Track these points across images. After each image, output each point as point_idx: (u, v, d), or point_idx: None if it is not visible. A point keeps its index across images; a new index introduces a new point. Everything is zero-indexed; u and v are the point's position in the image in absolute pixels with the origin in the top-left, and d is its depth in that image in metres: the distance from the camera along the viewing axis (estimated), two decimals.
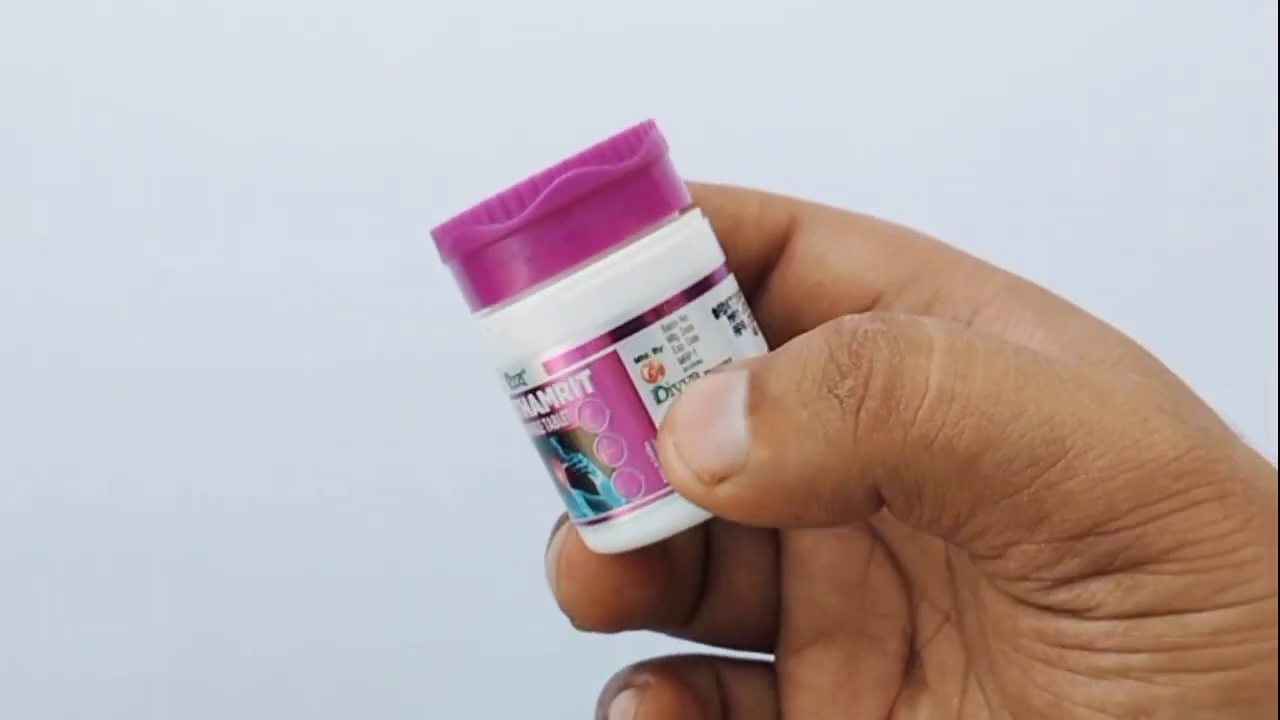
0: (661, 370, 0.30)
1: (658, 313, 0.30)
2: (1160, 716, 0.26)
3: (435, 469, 0.68)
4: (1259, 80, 0.69)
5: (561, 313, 0.30)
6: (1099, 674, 0.27)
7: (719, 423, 0.28)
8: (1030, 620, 0.28)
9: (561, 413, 0.30)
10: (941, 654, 0.33)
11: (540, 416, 0.31)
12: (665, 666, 0.34)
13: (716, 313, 0.30)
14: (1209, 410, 0.30)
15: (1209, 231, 0.70)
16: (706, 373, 0.30)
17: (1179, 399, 0.28)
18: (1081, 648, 0.27)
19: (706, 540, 0.35)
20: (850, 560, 0.35)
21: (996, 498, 0.26)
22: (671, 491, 0.29)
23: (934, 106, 0.70)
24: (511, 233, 0.29)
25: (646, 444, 0.30)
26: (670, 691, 0.33)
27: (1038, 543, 0.26)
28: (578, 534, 0.32)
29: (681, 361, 0.30)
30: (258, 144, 0.68)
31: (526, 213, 0.29)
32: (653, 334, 0.30)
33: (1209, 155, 0.70)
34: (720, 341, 0.30)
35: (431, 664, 0.70)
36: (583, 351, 0.30)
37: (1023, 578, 0.27)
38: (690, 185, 0.32)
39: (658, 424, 0.29)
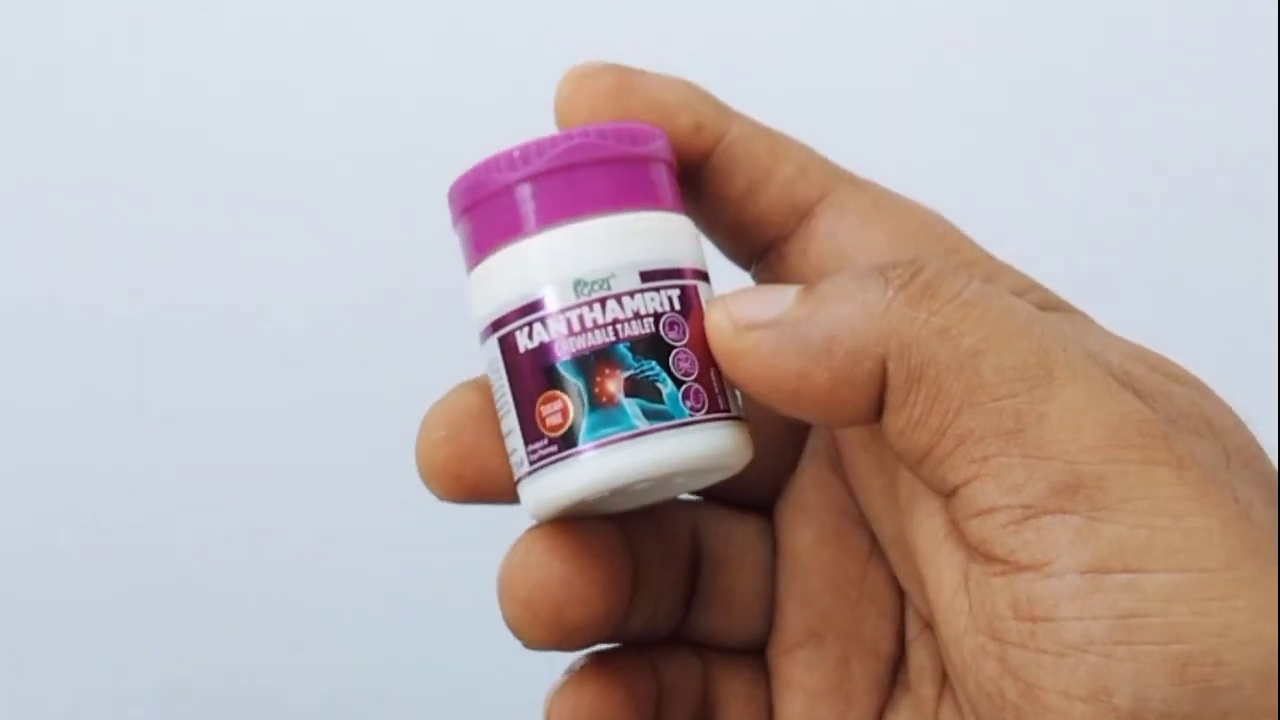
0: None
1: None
2: (1120, 696, 0.27)
3: None
4: (1259, 80, 0.69)
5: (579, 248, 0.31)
6: (1064, 649, 0.27)
7: (771, 293, 0.31)
8: (1003, 590, 0.28)
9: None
10: (920, 657, 0.34)
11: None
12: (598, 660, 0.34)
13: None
14: (1194, 412, 0.31)
15: (1209, 230, 0.70)
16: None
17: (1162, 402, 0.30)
18: (1048, 617, 0.28)
19: (695, 551, 0.35)
20: (849, 559, 0.35)
21: (985, 399, 0.29)
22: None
23: (935, 106, 0.70)
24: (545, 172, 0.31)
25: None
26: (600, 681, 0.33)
27: (1011, 456, 0.28)
28: (518, 554, 0.32)
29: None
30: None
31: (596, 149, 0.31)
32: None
33: (1208, 154, 0.70)
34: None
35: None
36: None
37: (993, 509, 0.28)
38: (743, 119, 0.33)
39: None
